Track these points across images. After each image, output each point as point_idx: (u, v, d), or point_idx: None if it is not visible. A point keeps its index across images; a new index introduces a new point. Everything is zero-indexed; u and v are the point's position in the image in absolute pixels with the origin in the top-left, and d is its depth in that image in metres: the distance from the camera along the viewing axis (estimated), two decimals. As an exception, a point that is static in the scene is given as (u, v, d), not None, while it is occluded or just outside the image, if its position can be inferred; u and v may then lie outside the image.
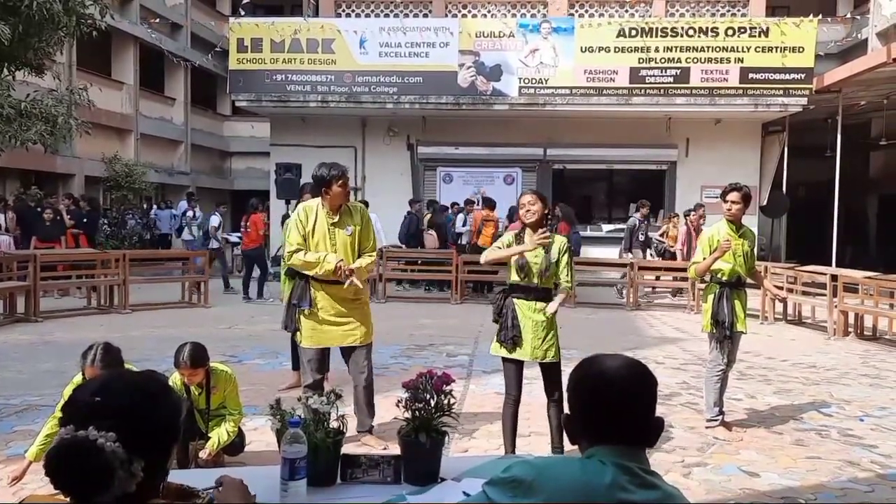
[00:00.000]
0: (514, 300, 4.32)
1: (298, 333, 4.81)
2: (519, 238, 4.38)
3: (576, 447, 1.63)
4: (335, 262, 4.51)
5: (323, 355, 4.88)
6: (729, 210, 5.23)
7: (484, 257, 4.50)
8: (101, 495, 1.24)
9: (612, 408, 1.55)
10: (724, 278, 5.20)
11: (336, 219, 4.69)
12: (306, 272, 4.66)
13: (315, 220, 4.67)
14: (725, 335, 5.19)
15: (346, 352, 4.84)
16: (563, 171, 16.98)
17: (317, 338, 4.73)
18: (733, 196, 5.19)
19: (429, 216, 14.41)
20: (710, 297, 5.24)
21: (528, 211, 4.33)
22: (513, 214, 12.88)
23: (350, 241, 4.68)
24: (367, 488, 2.32)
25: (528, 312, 4.29)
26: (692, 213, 13.26)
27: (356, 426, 4.82)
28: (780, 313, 11.21)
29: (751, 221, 15.11)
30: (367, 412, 4.85)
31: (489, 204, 13.77)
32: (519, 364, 4.33)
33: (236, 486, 1.78)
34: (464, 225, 14.00)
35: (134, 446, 1.27)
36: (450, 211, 14.68)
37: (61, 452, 1.24)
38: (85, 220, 14.61)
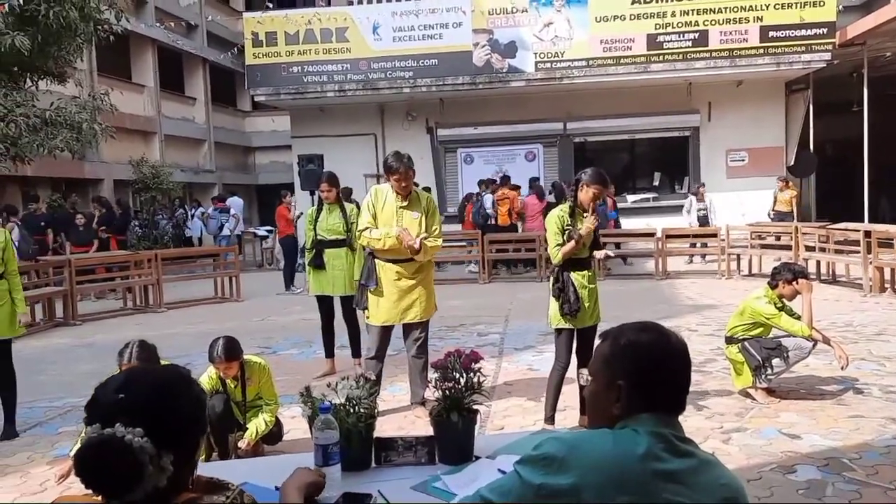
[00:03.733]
0: (571, 274, 4.56)
1: (367, 311, 5.12)
2: (573, 214, 4.57)
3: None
4: (397, 232, 4.84)
5: (386, 331, 5.13)
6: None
7: (559, 258, 4.57)
8: (133, 492, 1.25)
9: (675, 376, 1.55)
10: None
11: (405, 203, 4.99)
12: (374, 248, 5.00)
13: (385, 202, 5.01)
14: None
15: (406, 325, 5.10)
16: (585, 144, 16.80)
17: (381, 315, 5.03)
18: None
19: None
20: None
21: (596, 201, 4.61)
22: (561, 191, 13.06)
23: (416, 225, 4.97)
24: (402, 470, 2.33)
25: (583, 282, 4.59)
26: None
27: (410, 397, 5.23)
28: (813, 273, 11.04)
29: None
30: (419, 383, 5.10)
31: (504, 183, 14.03)
32: (573, 332, 4.62)
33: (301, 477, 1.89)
34: (492, 205, 13.93)
35: (161, 441, 1.27)
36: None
37: (90, 452, 1.24)
38: (115, 222, 14.81)
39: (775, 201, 14.24)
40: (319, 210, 6.50)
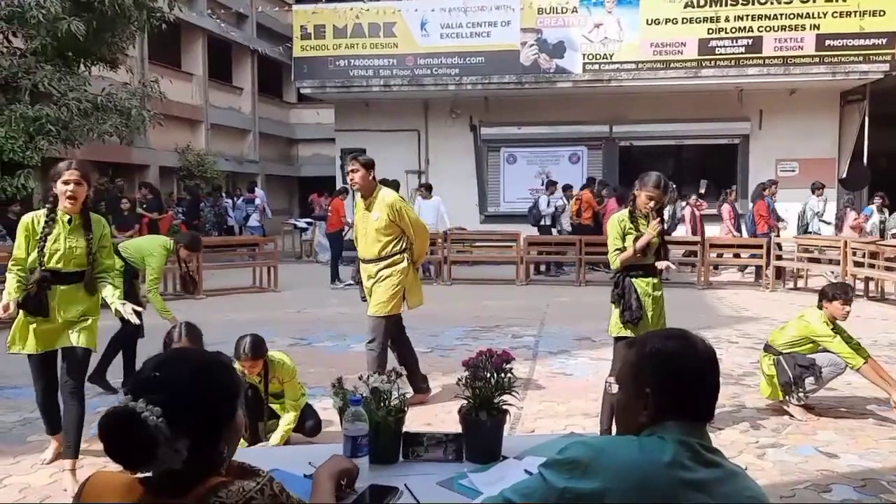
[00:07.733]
0: (633, 280, 4.37)
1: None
2: (634, 219, 4.38)
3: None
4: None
5: (378, 320, 5.31)
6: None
7: (617, 264, 4.40)
8: (147, 466, 1.29)
9: (702, 383, 1.54)
10: None
11: (367, 204, 5.27)
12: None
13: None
14: None
15: None
16: (630, 148, 16.61)
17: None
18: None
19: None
20: None
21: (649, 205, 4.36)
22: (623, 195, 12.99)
23: (377, 226, 5.18)
24: (429, 466, 2.32)
25: (647, 289, 4.39)
26: None
27: None
28: (860, 290, 10.76)
29: (830, 195, 14.54)
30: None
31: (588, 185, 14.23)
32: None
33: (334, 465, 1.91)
34: (548, 206, 13.80)
35: (181, 423, 1.29)
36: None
37: (109, 420, 1.28)
38: (182, 209, 15.12)
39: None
40: (50, 223, 3.97)
